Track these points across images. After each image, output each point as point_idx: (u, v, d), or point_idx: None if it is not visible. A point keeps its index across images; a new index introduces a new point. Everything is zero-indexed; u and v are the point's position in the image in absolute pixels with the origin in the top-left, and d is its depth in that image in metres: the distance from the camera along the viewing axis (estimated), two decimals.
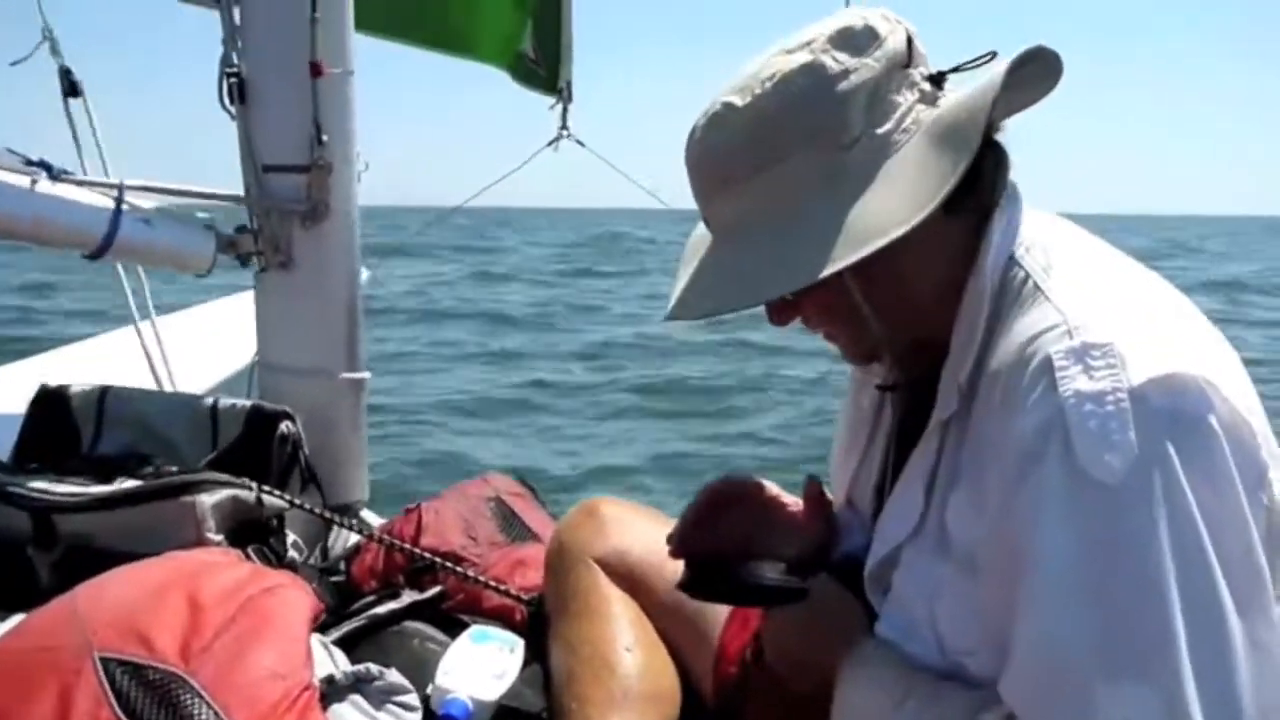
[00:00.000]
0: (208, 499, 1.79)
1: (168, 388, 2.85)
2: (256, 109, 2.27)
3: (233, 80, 2.25)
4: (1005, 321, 0.97)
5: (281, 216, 2.30)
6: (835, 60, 0.98)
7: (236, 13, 2.25)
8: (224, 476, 1.87)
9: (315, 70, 2.21)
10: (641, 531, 1.56)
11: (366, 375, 2.44)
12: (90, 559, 1.61)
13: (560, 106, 3.52)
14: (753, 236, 1.01)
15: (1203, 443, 0.85)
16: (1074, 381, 0.86)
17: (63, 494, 1.83)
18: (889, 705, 1.01)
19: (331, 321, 2.38)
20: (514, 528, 2.12)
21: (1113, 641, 0.83)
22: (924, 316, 1.06)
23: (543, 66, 3.54)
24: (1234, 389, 0.89)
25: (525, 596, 1.84)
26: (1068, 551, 0.85)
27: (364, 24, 2.40)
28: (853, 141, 0.98)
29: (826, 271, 0.94)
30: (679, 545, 1.26)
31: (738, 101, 1.00)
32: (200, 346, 3.49)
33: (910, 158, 0.98)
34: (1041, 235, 1.03)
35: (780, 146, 0.99)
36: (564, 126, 3.50)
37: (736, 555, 1.19)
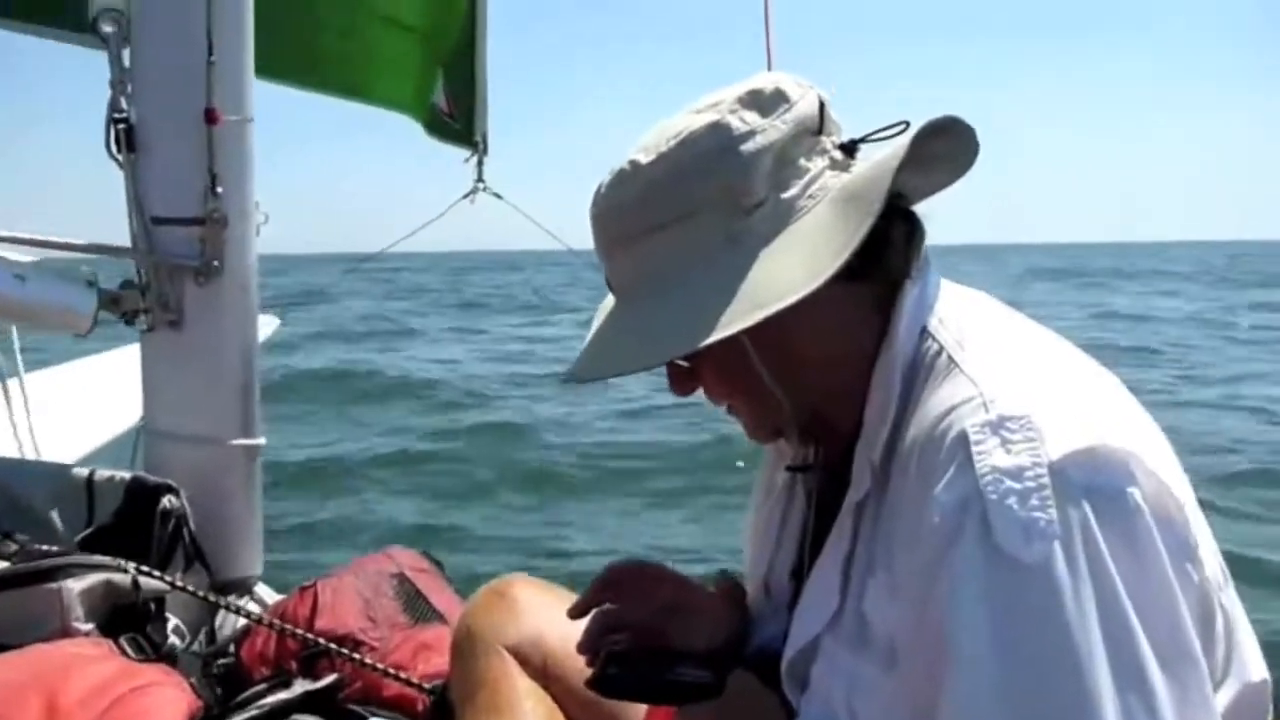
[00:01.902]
0: (75, 584, 1.64)
1: (36, 455, 2.65)
2: (146, 157, 2.13)
3: (121, 126, 2.10)
4: (919, 396, 0.94)
5: (172, 272, 2.16)
6: (742, 121, 0.96)
7: (126, 54, 2.13)
8: (96, 558, 1.72)
9: (211, 117, 2.09)
10: (557, 615, 1.46)
11: (261, 441, 2.30)
12: None
13: (476, 159, 3.46)
14: (650, 298, 1.00)
15: (1126, 519, 0.81)
16: (990, 457, 0.82)
17: None
18: None
19: (224, 384, 2.23)
20: (418, 608, 1.99)
21: None
22: (828, 387, 1.03)
23: (457, 119, 3.49)
24: (1158, 462, 0.86)
25: (428, 685, 1.72)
26: (987, 637, 0.80)
27: (265, 70, 2.28)
28: (756, 204, 0.96)
29: (714, 336, 0.91)
30: (586, 641, 1.19)
31: (643, 159, 0.99)
32: (77, 408, 3.28)
33: (813, 224, 0.96)
34: (956, 308, 1.00)
35: (682, 205, 0.97)
36: (479, 179, 3.46)
37: (647, 649, 1.15)
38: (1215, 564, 0.90)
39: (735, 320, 0.91)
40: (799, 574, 1.14)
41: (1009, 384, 0.88)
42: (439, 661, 1.74)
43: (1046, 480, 0.80)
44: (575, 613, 1.23)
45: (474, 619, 1.53)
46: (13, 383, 2.71)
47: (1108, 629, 0.78)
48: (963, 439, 0.84)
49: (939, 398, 0.91)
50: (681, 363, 1.04)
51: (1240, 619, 0.94)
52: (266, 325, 5.40)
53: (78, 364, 4.08)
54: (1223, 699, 0.89)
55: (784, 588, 1.17)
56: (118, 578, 1.70)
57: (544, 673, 1.44)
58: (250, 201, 2.22)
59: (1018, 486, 0.81)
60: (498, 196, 3.44)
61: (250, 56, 2.19)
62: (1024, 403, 0.85)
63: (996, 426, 0.84)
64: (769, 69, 1.98)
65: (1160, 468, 0.85)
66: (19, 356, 2.72)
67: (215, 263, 2.15)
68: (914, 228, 1.02)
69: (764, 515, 1.25)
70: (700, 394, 1.09)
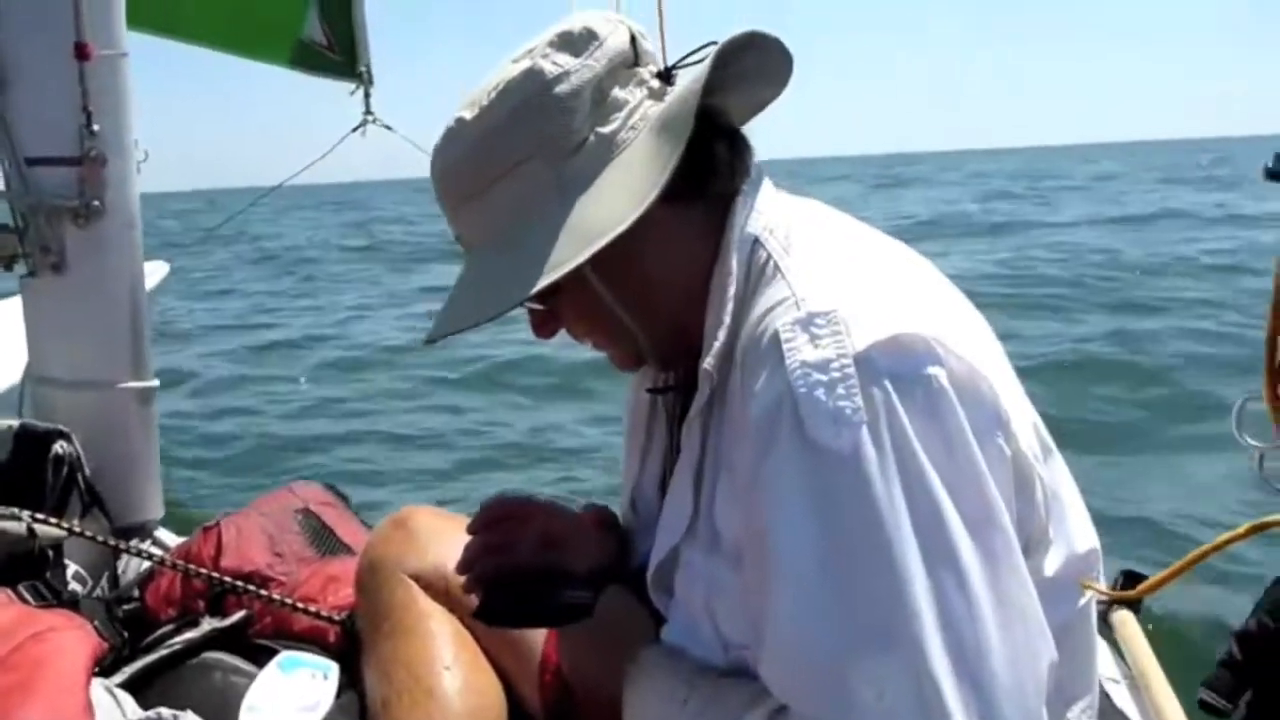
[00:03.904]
0: None
1: None
2: (17, 95, 2.07)
3: None
4: (750, 303, 0.97)
5: (50, 214, 2.10)
6: (554, 64, 0.98)
7: None
8: None
9: (82, 52, 2.03)
10: (457, 542, 1.48)
11: (154, 383, 2.26)
12: None
13: (362, 91, 3.39)
14: (491, 250, 1.02)
15: (931, 400, 0.85)
16: (799, 353, 0.86)
17: None
18: (673, 709, 1.00)
19: (113, 327, 2.20)
20: (325, 541, 1.99)
21: (853, 614, 0.83)
22: (677, 308, 1.05)
23: (336, 52, 3.39)
24: (965, 344, 0.89)
25: (338, 616, 1.73)
26: (804, 527, 0.84)
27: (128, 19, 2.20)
28: (579, 144, 0.99)
29: (547, 279, 0.94)
30: (467, 577, 1.21)
31: (468, 115, 1.01)
32: None
33: (633, 155, 0.99)
34: (787, 217, 1.02)
35: (510, 156, 0.99)
36: (368, 111, 3.39)
37: (529, 576, 1.17)
38: (1032, 436, 0.95)
39: (565, 260, 0.94)
40: (664, 491, 1.17)
41: (820, 282, 0.91)
42: (347, 593, 1.74)
43: (852, 370, 0.84)
44: (463, 567, 1.23)
45: (376, 550, 1.55)
46: None
47: (916, 505, 0.82)
48: (776, 338, 0.88)
49: (761, 302, 0.94)
50: (536, 305, 1.06)
51: (1065, 489, 1.01)
52: (156, 271, 5.25)
53: None
54: (1051, 563, 0.96)
55: (652, 506, 1.21)
56: (12, 526, 1.68)
57: (447, 596, 1.46)
58: (129, 138, 2.17)
59: (824, 378, 0.84)
60: (388, 128, 3.39)
61: None
62: (831, 298, 0.89)
63: (806, 323, 0.87)
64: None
65: (967, 350, 0.89)
66: None
67: (96, 202, 2.10)
68: (738, 144, 1.05)
69: (632, 440, 1.28)
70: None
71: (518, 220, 0.99)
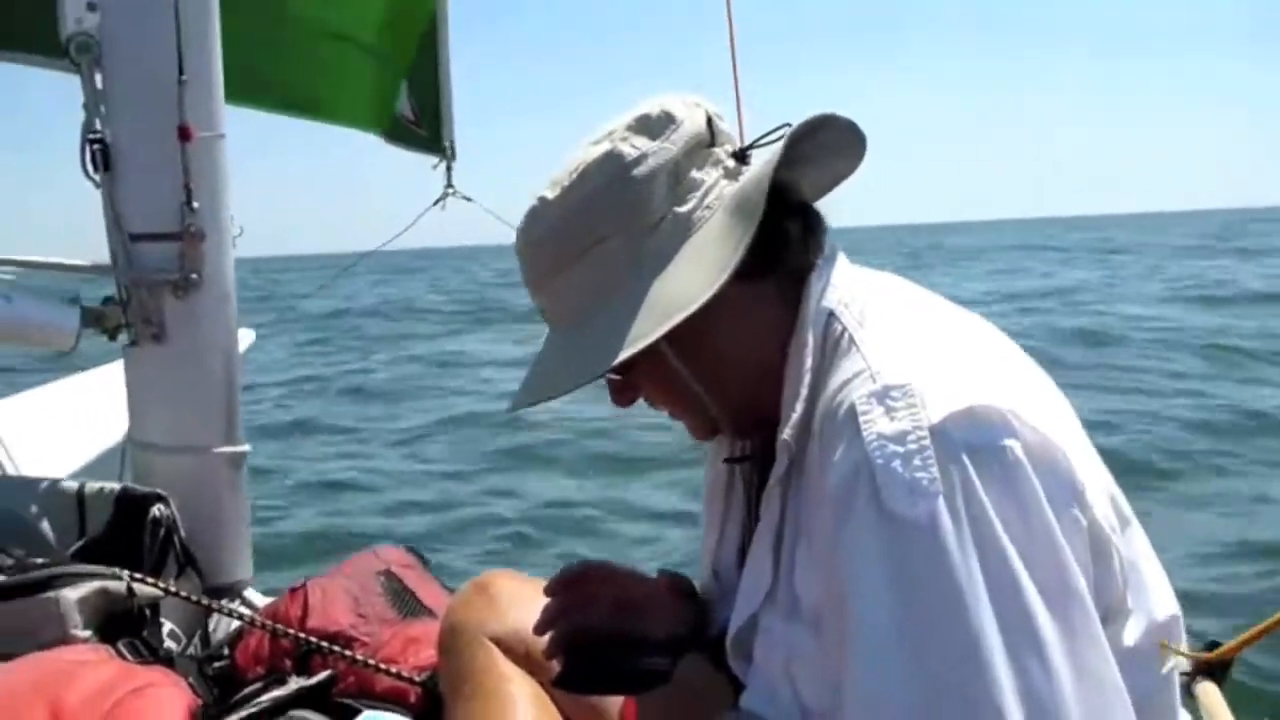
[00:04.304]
0: (72, 593, 1.68)
1: (26, 472, 2.69)
2: (122, 176, 2.19)
3: (96, 147, 2.16)
4: (825, 377, 0.99)
5: (152, 287, 2.21)
6: (633, 147, 1.03)
7: (99, 77, 2.17)
8: (90, 567, 1.76)
9: (184, 134, 2.14)
10: (538, 606, 1.51)
11: (246, 448, 2.35)
12: None
13: (444, 165, 3.52)
14: (572, 324, 1.07)
15: (1006, 471, 0.86)
16: (876, 425, 0.88)
17: None
18: None
19: (208, 394, 2.29)
20: (406, 603, 2.04)
21: (932, 678, 0.83)
22: (752, 382, 1.07)
23: (423, 127, 3.54)
24: (1039, 415, 0.90)
25: (419, 677, 1.77)
26: (882, 597, 0.85)
27: (232, 95, 2.33)
28: (657, 222, 1.03)
29: (625, 354, 0.98)
30: (548, 644, 1.23)
31: (550, 195, 1.05)
32: (66, 425, 3.31)
33: (709, 233, 1.03)
34: (861, 291, 1.04)
35: (590, 234, 1.03)
36: (449, 184, 3.52)
37: (606, 641, 1.19)
38: (1108, 507, 0.95)
39: (642, 335, 0.98)
40: (744, 559, 1.19)
41: (894, 356, 0.93)
42: (428, 654, 1.78)
43: (928, 441, 0.85)
44: (541, 628, 1.25)
45: (458, 614, 1.57)
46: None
47: (992, 574, 0.83)
48: (852, 411, 0.90)
49: (838, 375, 0.96)
50: (614, 376, 1.10)
51: (1144, 558, 1.00)
52: (243, 338, 5.42)
53: (61, 384, 4.09)
54: (1131, 633, 0.95)
55: (732, 574, 1.22)
56: (113, 585, 1.75)
57: (527, 660, 1.48)
58: (225, 214, 2.27)
59: (901, 450, 0.86)
60: (468, 199, 3.50)
61: (219, 74, 2.25)
62: (906, 372, 0.90)
63: (881, 396, 0.89)
64: (732, 60, 2.05)
65: (1041, 421, 0.90)
66: None
67: (194, 275, 2.20)
68: (811, 221, 1.08)
69: (711, 508, 1.30)
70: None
71: (598, 296, 1.04)
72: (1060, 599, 0.85)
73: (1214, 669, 1.85)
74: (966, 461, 0.85)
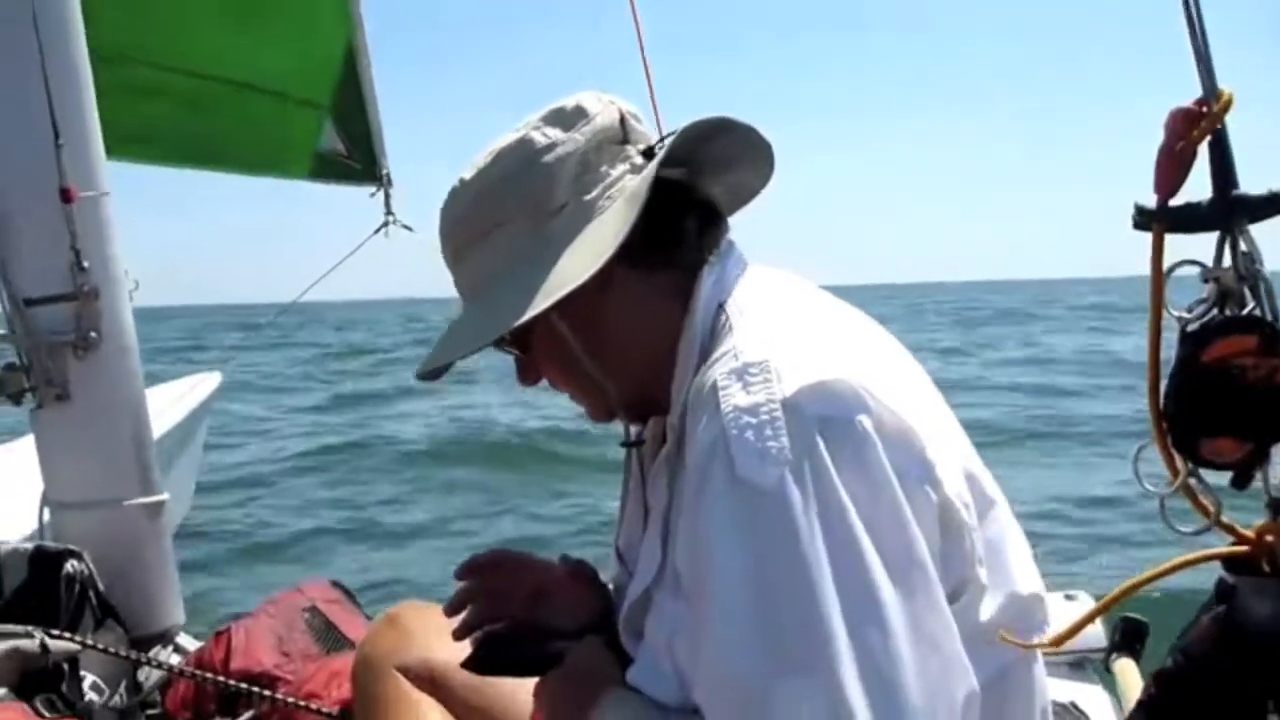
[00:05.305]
0: None
1: None
2: (10, 242, 2.22)
3: None
4: (707, 363, 1.04)
5: (52, 349, 2.23)
6: (544, 135, 1.09)
7: None
8: (2, 627, 1.78)
9: (66, 196, 2.17)
10: (444, 633, 1.54)
11: (163, 497, 2.37)
12: None
13: (383, 193, 3.52)
14: (476, 299, 1.13)
15: (855, 444, 0.90)
16: (733, 398, 0.92)
17: None
18: None
19: (117, 448, 2.32)
20: (329, 638, 2.09)
21: (775, 642, 0.86)
22: (644, 366, 1.12)
23: (355, 159, 3.53)
24: (896, 395, 0.95)
25: (336, 711, 1.80)
26: (732, 561, 0.89)
27: (117, 150, 2.36)
28: (559, 209, 1.09)
29: (515, 321, 1.03)
30: (459, 626, 1.28)
31: (466, 176, 1.12)
32: None
33: (605, 219, 1.08)
34: (754, 285, 1.10)
35: (497, 214, 1.10)
36: (389, 212, 3.51)
37: (519, 628, 1.23)
38: (963, 485, 0.98)
39: (531, 307, 1.03)
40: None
41: (757, 336, 0.98)
42: (350, 687, 1.83)
43: (779, 413, 0.89)
44: (451, 610, 1.31)
45: (369, 647, 1.61)
46: None
47: (835, 540, 0.86)
48: (714, 387, 0.94)
49: (712, 358, 1.00)
50: (514, 351, 1.16)
51: (1009, 536, 1.04)
52: (209, 382, 5.37)
53: None
54: (987, 609, 0.99)
55: (634, 556, 1.24)
56: (25, 643, 1.77)
57: (435, 687, 1.52)
58: (118, 270, 2.30)
59: (754, 420, 0.90)
60: (408, 229, 3.49)
61: (97, 133, 2.28)
62: (765, 349, 0.95)
63: (741, 373, 0.94)
64: (643, 59, 2.13)
65: (894, 399, 0.94)
66: None
67: (92, 334, 2.24)
68: (710, 219, 1.14)
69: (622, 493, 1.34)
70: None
71: (501, 273, 1.10)
72: (902, 569, 0.88)
73: (1131, 645, 1.89)
74: (816, 432, 0.89)
